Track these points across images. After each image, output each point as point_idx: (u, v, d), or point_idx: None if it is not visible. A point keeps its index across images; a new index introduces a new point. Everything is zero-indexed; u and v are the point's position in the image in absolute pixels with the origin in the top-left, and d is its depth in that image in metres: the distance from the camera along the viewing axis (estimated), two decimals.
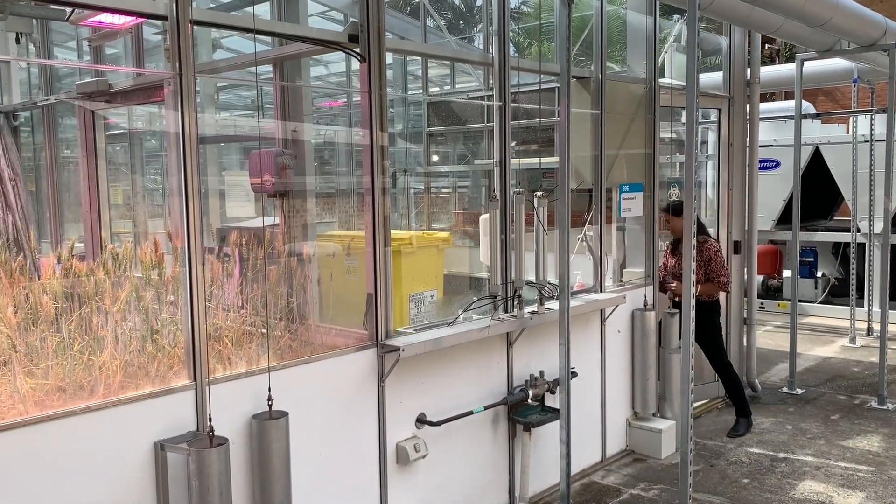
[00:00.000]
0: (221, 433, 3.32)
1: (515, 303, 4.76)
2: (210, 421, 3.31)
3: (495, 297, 4.73)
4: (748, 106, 7.33)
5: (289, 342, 4.21)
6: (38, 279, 4.11)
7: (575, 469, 5.06)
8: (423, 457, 4.32)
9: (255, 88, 9.99)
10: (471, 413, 4.59)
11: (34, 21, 6.48)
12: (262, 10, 5.48)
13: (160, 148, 9.80)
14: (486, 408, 4.70)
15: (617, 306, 5.63)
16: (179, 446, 3.32)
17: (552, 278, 5.02)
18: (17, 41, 6.38)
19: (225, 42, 7.01)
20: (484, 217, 4.92)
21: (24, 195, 6.80)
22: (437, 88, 9.66)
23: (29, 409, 3.23)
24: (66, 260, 3.95)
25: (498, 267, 4.73)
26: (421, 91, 9.04)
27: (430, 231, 8.17)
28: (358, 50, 4.07)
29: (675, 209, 5.95)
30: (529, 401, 4.89)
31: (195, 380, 3.45)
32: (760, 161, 7.59)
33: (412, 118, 9.36)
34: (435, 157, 9.25)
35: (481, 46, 9.81)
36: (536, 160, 5.98)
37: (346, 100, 9.36)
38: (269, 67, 5.07)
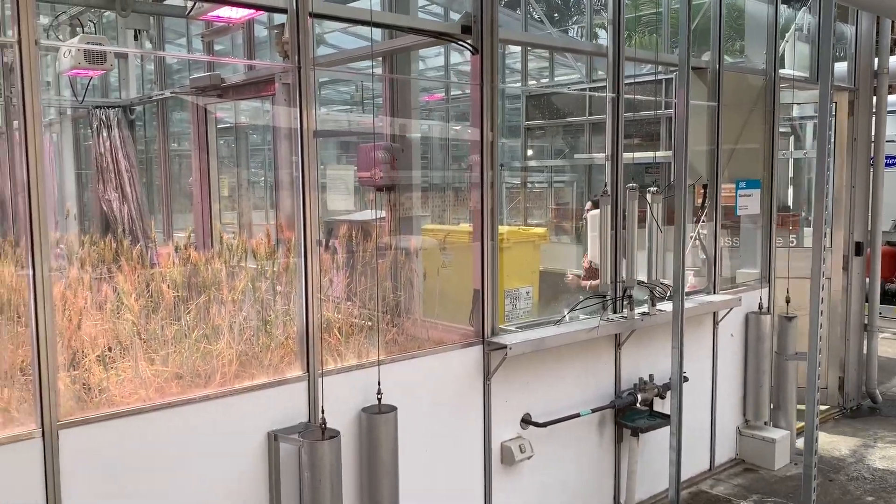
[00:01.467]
0: (331, 425, 3.32)
1: (625, 303, 4.59)
2: (322, 413, 3.31)
3: (604, 296, 4.57)
4: (874, 98, 6.85)
5: (395, 336, 4.19)
6: (152, 268, 4.23)
7: (683, 477, 4.84)
8: (529, 458, 4.22)
9: (355, 83, 10.08)
10: (577, 415, 4.46)
11: (151, 18, 6.72)
12: (372, 3, 5.49)
13: (262, 142, 10.04)
14: (593, 411, 4.55)
15: (731, 309, 5.36)
16: (292, 437, 3.33)
17: (664, 278, 4.81)
18: (136, 38, 6.63)
19: (328, 38, 7.08)
20: (593, 213, 4.76)
21: (139, 186, 7.09)
22: (535, 81, 9.50)
23: (150, 394, 3.31)
24: (182, 249, 4.05)
25: (608, 265, 4.56)
26: (520, 84, 8.91)
27: (526, 227, 8.05)
28: (471, 41, 3.99)
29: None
30: (638, 405, 4.71)
31: (308, 371, 3.46)
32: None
33: (508, 112, 9.24)
34: (529, 152, 9.11)
35: (578, 37, 9.58)
36: (640, 154, 5.76)
37: (444, 94, 9.32)
38: (367, 62, 5.05)
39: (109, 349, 3.58)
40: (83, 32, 5.85)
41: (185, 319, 3.64)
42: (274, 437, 3.33)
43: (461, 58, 9.62)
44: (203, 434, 3.19)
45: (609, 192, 4.57)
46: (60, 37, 6.35)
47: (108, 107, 7.00)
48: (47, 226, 2.81)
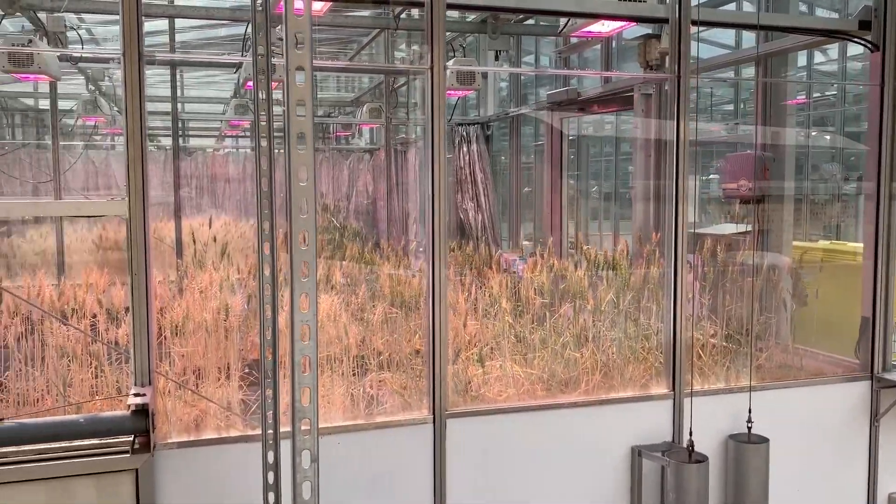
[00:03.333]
0: (696, 448, 3.18)
1: None
2: (690, 435, 3.19)
3: None
4: None
5: (762, 362, 3.89)
6: (511, 273, 4.45)
7: None
8: None
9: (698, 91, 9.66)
10: None
11: (511, 38, 7.15)
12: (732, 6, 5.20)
13: (599, 153, 10.11)
14: None
15: None
16: (656, 455, 3.26)
17: None
18: (497, 58, 7.09)
19: None
20: None
21: (492, 197, 7.58)
22: None
23: (518, 394, 3.49)
24: (547, 257, 4.21)
25: None
26: None
27: None
28: (870, 38, 3.55)
29: None
30: None
31: (673, 389, 3.37)
32: None
33: None
34: None
35: None
36: None
37: (805, 97, 8.51)
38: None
39: (482, 348, 3.85)
40: (455, 56, 6.40)
41: (549, 325, 3.77)
42: (638, 453, 3.29)
43: (823, 57, 8.72)
44: (569, 439, 3.27)
45: None
46: None
47: (469, 124, 7.60)
48: (445, 233, 3.11)
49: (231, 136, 11.40)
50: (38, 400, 3.20)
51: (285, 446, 2.31)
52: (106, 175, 9.09)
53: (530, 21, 6.61)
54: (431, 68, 3.01)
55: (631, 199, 7.41)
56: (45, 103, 9.98)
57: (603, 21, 4.09)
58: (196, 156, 10.71)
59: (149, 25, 6.70)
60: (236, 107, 7.89)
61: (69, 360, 3.20)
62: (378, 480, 3.06)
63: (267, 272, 2.34)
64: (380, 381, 3.62)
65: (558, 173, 6.03)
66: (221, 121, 10.72)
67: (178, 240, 6.29)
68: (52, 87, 6.45)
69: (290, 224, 1.76)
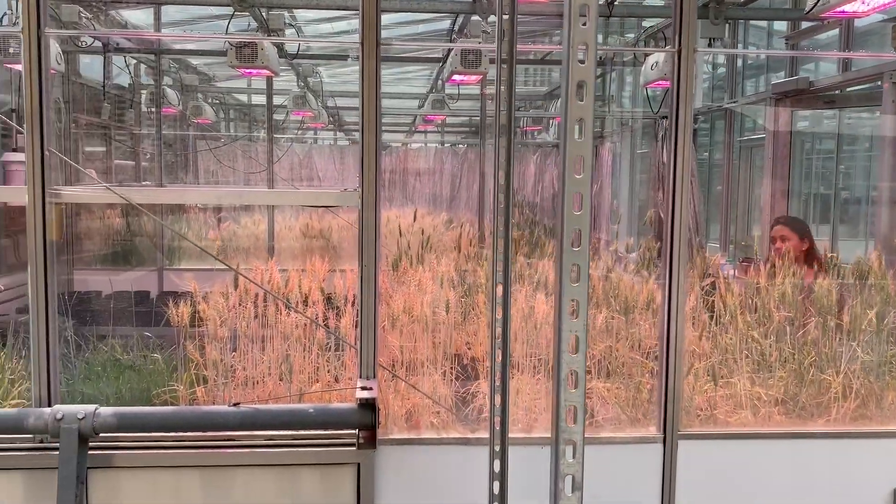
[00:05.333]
0: None
1: None
2: None
3: None
4: None
5: None
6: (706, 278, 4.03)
7: None
8: None
9: None
10: None
11: (726, 25, 6.61)
12: None
13: (811, 150, 9.22)
14: None
15: None
16: None
17: None
18: (709, 45, 6.59)
19: None
20: None
21: (697, 195, 7.08)
22: None
23: (753, 417, 3.13)
24: (785, 264, 3.77)
25: None
26: None
27: None
28: None
29: None
30: None
31: None
32: None
33: None
34: None
35: None
36: None
37: None
38: None
39: (712, 363, 3.50)
40: (666, 44, 6.02)
41: (791, 341, 3.36)
42: None
43: None
44: (815, 474, 2.89)
45: None
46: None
47: None
48: (684, 236, 2.83)
49: (421, 131, 11.63)
50: (258, 383, 3.29)
51: (511, 454, 2.18)
52: (308, 167, 9.57)
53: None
54: (679, 51, 2.73)
55: (848, 202, 6.64)
56: (256, 99, 10.69)
57: None
58: (389, 150, 11.02)
59: (348, 24, 6.90)
60: (433, 102, 7.97)
61: (290, 347, 3.26)
62: (596, 499, 2.84)
63: (500, 270, 2.20)
64: (591, 390, 3.40)
65: (786, 172, 5.48)
66: (415, 116, 10.93)
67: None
68: (269, 82, 6.80)
69: (562, 222, 1.57)
